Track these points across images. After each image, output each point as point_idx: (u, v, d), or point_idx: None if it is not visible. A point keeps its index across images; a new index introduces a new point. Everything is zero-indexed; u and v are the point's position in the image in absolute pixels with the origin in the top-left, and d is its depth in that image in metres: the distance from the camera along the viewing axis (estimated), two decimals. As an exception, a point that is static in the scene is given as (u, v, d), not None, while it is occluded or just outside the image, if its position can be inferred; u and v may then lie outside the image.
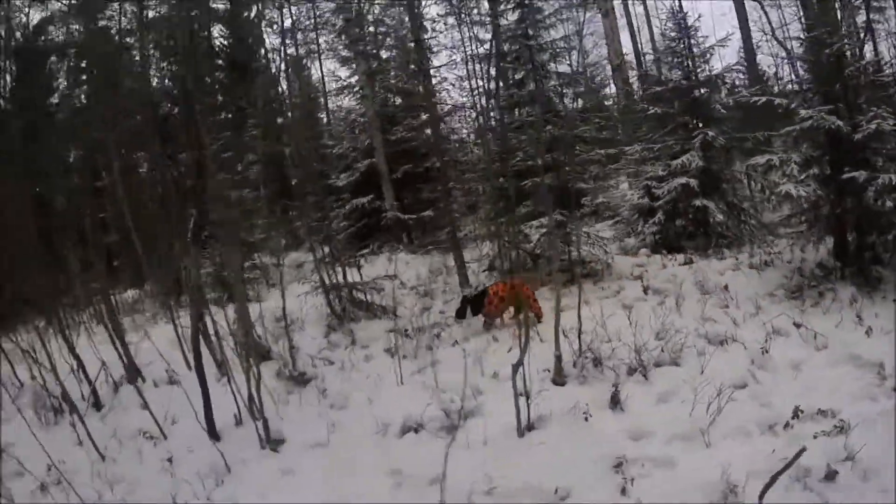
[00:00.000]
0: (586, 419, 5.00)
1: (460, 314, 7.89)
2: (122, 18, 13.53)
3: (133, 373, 7.42)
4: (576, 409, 5.12)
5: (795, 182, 6.37)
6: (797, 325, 6.05)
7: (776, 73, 11.93)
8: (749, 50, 12.03)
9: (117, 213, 10.08)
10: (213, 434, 5.79)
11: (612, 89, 15.80)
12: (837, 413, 4.53)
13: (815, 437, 4.30)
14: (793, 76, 11.73)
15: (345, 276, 8.91)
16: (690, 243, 9.20)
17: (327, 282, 8.65)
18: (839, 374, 5.13)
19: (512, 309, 7.67)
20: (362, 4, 12.46)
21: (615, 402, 5.19)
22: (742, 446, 4.39)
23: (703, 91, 9.07)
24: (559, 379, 5.89)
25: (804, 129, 6.35)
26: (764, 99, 6.84)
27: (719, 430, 4.60)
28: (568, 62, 11.94)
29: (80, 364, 7.09)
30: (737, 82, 10.61)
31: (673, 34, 9.27)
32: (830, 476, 3.85)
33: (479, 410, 5.52)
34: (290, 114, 14.50)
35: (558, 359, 5.88)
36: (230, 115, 12.68)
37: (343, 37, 11.90)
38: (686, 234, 9.19)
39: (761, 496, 3.35)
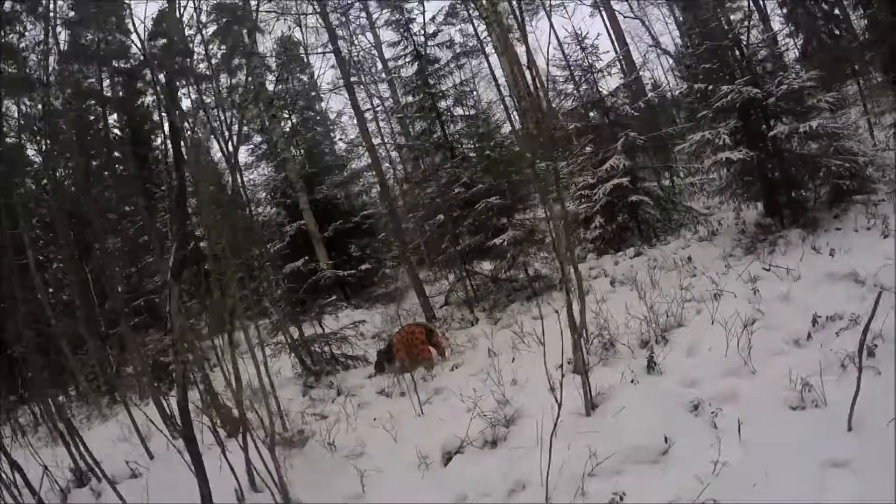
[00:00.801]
0: (635, 385, 5.10)
1: (379, 368, 8.09)
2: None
3: (82, 473, 6.43)
4: (622, 380, 5.22)
5: (729, 150, 7.22)
6: (767, 269, 6.72)
7: (654, 83, 13.59)
8: (630, 63, 13.64)
9: (34, 316, 8.88)
10: (214, 520, 4.97)
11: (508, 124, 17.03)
12: (843, 315, 5.14)
13: (836, 335, 4.85)
14: (672, 81, 13.45)
15: (301, 334, 8.50)
16: (628, 242, 9.90)
17: (290, 341, 8.21)
18: (825, 290, 5.83)
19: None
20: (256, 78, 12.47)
21: (651, 366, 5.36)
22: (784, 362, 4.79)
23: (614, 100, 10.10)
24: (579, 368, 5.93)
25: (725, 105, 7.32)
26: (685, 87, 7.79)
27: (756, 358, 4.95)
28: (469, 105, 12.63)
29: (18, 471, 5.80)
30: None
31: (577, 54, 10.24)
32: (871, 352, 4.37)
33: (519, 413, 5.43)
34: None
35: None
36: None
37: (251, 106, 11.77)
38: (623, 232, 9.89)
39: (860, 351, 3.83)
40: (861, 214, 7.24)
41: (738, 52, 7.90)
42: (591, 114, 10.66)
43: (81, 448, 6.39)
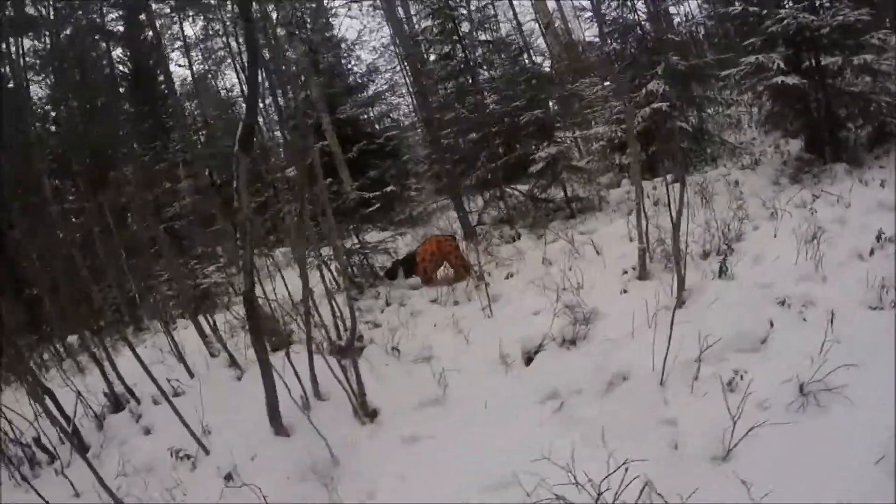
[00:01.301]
0: (714, 283, 5.38)
1: (391, 275, 8.35)
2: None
3: (117, 397, 6.40)
4: (702, 279, 5.61)
5: (784, 75, 7.36)
6: (816, 196, 7.01)
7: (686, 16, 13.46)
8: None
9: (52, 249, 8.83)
10: (281, 429, 4.99)
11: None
12: (901, 237, 5.43)
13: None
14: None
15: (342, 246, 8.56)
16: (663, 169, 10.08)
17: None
18: (878, 216, 6.05)
19: (446, 264, 8.14)
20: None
21: (723, 270, 5.66)
22: (852, 271, 5.13)
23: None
24: (644, 274, 6.19)
25: (779, 31, 7.40)
26: (740, 8, 7.81)
27: (825, 268, 5.28)
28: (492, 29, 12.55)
29: (51, 398, 5.75)
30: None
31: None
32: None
33: (595, 313, 5.63)
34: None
35: (643, 252, 6.21)
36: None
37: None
38: (657, 159, 10.08)
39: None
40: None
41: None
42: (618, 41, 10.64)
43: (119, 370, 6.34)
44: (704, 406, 3.84)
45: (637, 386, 4.41)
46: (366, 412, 5.15)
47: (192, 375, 6.61)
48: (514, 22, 16.81)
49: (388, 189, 11.68)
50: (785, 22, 7.41)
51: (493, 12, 13.41)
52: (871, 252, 5.42)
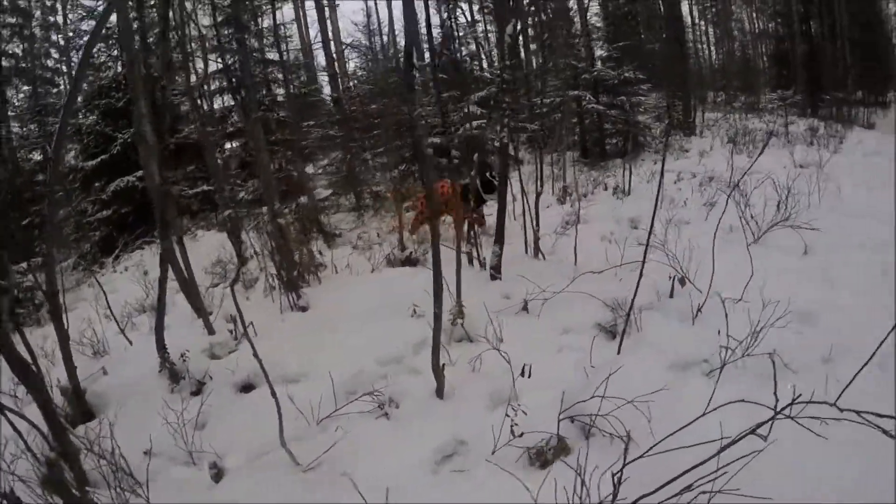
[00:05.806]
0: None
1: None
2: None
3: None
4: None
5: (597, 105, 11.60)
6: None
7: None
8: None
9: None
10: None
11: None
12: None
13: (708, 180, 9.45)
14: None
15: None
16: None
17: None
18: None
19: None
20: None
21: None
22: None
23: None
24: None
25: (589, 78, 11.77)
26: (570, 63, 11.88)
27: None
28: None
29: None
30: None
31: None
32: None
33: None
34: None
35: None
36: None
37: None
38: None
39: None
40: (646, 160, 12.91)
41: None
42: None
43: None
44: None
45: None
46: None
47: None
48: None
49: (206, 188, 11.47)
50: (595, 73, 11.88)
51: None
52: (701, 185, 9.73)
